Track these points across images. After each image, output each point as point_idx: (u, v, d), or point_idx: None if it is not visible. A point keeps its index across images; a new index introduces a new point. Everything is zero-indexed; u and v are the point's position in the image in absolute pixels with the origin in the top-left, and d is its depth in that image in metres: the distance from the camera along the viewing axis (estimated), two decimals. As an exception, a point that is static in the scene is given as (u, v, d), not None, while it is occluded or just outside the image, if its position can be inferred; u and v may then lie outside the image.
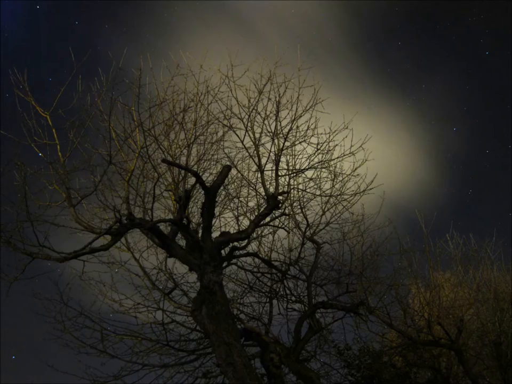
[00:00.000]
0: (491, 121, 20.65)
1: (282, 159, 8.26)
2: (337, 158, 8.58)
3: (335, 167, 8.77)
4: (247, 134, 8.08)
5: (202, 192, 7.61)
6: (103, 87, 7.20)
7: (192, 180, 7.72)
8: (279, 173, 8.07)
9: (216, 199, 7.76)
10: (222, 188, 8.09)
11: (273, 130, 8.08)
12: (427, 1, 19.00)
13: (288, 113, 8.09)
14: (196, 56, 7.95)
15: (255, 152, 8.08)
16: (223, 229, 8.96)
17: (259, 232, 9.41)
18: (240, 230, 8.39)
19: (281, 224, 9.10)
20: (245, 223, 8.87)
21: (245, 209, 9.13)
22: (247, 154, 8.33)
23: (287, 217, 9.07)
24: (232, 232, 8.13)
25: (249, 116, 8.00)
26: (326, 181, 8.96)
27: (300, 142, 8.42)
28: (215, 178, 7.65)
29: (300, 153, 8.57)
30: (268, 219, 8.30)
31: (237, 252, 8.33)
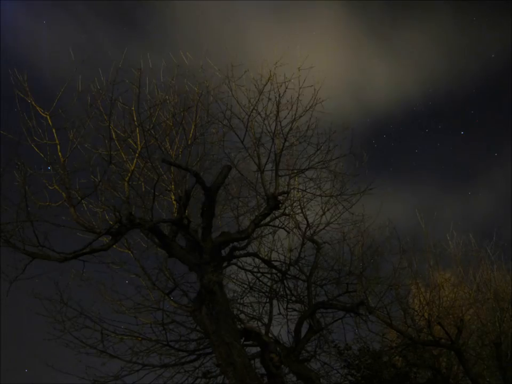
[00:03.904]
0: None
1: (282, 159, 8.26)
2: (337, 158, 8.59)
3: (335, 167, 8.78)
4: (247, 134, 8.08)
5: (202, 192, 7.60)
6: (103, 87, 7.20)
7: (192, 180, 7.71)
8: (279, 173, 8.07)
9: (216, 199, 7.76)
10: (222, 187, 8.08)
11: (273, 130, 8.08)
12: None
13: (288, 113, 8.09)
14: (196, 56, 7.95)
15: (255, 152, 8.08)
16: (223, 229, 8.96)
17: (259, 232, 9.41)
18: (240, 230, 8.38)
19: (281, 224, 9.10)
20: (245, 223, 8.88)
21: (245, 209, 9.14)
22: (247, 154, 8.33)
23: (287, 217, 9.07)
24: (232, 232, 8.12)
25: (249, 116, 7.99)
26: (326, 181, 8.98)
27: (300, 142, 8.43)
28: (215, 178, 7.65)
29: (300, 153, 8.58)
30: (268, 219, 8.30)
31: (237, 251, 8.32)
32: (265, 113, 8.05)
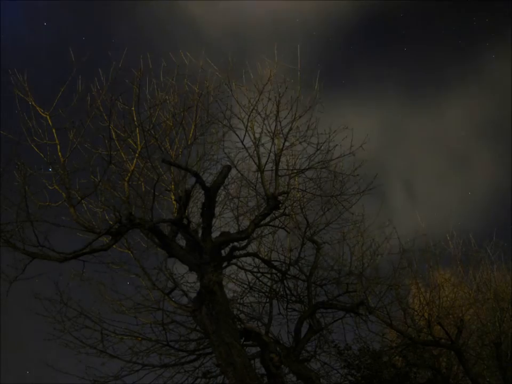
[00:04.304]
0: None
1: (282, 159, 8.27)
2: (337, 158, 8.58)
3: (335, 167, 8.78)
4: (247, 134, 8.09)
5: (202, 192, 7.60)
6: (103, 87, 7.19)
7: (192, 180, 7.72)
8: (279, 173, 8.07)
9: (216, 199, 7.76)
10: (222, 187, 8.09)
11: (273, 130, 8.08)
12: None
13: (288, 113, 8.09)
14: (196, 56, 7.96)
15: (255, 152, 8.08)
16: (223, 229, 8.96)
17: (259, 232, 9.41)
18: (240, 230, 8.38)
19: (281, 224, 9.10)
20: (245, 223, 8.88)
21: (245, 209, 9.14)
22: (247, 154, 8.34)
23: (287, 217, 9.07)
24: (232, 232, 8.12)
25: (249, 116, 8.00)
26: (326, 181, 8.98)
27: (300, 142, 8.43)
28: (215, 178, 7.65)
29: (300, 153, 8.59)
30: (268, 219, 8.30)
31: (237, 251, 8.33)
32: (265, 113, 8.05)
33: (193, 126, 7.81)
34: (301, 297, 9.77)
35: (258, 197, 8.81)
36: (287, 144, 8.19)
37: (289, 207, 9.08)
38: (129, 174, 7.08)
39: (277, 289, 9.81)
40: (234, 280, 9.71)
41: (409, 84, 19.68)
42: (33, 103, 6.93)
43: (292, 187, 8.59)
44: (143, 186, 7.95)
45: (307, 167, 8.58)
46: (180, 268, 8.73)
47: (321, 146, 8.39)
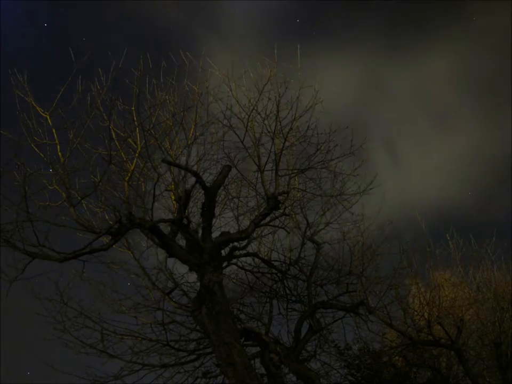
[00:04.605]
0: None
1: (282, 159, 8.27)
2: (337, 158, 8.58)
3: (335, 167, 8.79)
4: (247, 134, 8.09)
5: (202, 192, 7.60)
6: (103, 87, 7.20)
7: (192, 180, 7.72)
8: (279, 173, 8.07)
9: (216, 199, 7.76)
10: (222, 187, 8.09)
11: (273, 130, 8.08)
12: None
13: (288, 113, 8.09)
14: (196, 56, 7.96)
15: (255, 152, 8.08)
16: (223, 229, 8.97)
17: (259, 232, 9.41)
18: (240, 230, 8.38)
19: (281, 224, 9.10)
20: (245, 223, 8.88)
21: (245, 209, 9.15)
22: (247, 154, 8.34)
23: (287, 217, 9.08)
24: (232, 232, 8.12)
25: (249, 116, 8.00)
26: (326, 181, 9.00)
27: (300, 142, 8.43)
28: (215, 178, 7.65)
29: (300, 153, 8.59)
30: (268, 219, 8.31)
31: (237, 251, 8.33)
32: (265, 113, 8.06)
33: (193, 126, 7.81)
34: (301, 297, 9.77)
35: (258, 197, 8.82)
36: (287, 144, 8.20)
37: (289, 207, 9.09)
38: (129, 174, 7.08)
39: (277, 289, 9.81)
40: (234, 280, 9.73)
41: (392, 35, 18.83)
42: (33, 103, 6.94)
43: (292, 187, 8.59)
44: (143, 186, 7.96)
45: (307, 167, 8.58)
46: (180, 268, 8.74)
47: (321, 146, 8.40)
